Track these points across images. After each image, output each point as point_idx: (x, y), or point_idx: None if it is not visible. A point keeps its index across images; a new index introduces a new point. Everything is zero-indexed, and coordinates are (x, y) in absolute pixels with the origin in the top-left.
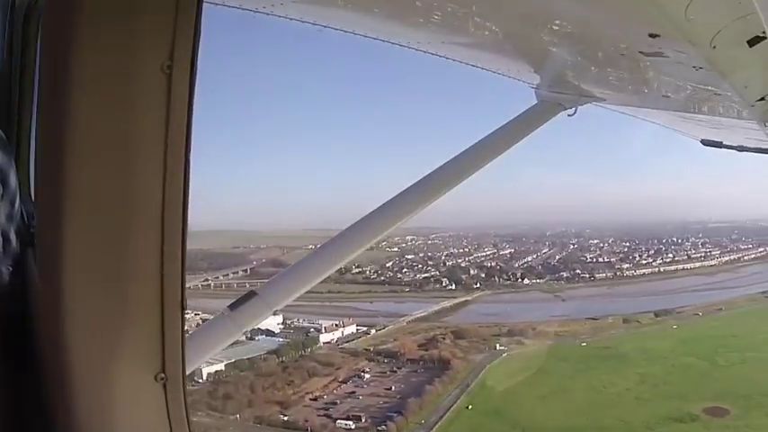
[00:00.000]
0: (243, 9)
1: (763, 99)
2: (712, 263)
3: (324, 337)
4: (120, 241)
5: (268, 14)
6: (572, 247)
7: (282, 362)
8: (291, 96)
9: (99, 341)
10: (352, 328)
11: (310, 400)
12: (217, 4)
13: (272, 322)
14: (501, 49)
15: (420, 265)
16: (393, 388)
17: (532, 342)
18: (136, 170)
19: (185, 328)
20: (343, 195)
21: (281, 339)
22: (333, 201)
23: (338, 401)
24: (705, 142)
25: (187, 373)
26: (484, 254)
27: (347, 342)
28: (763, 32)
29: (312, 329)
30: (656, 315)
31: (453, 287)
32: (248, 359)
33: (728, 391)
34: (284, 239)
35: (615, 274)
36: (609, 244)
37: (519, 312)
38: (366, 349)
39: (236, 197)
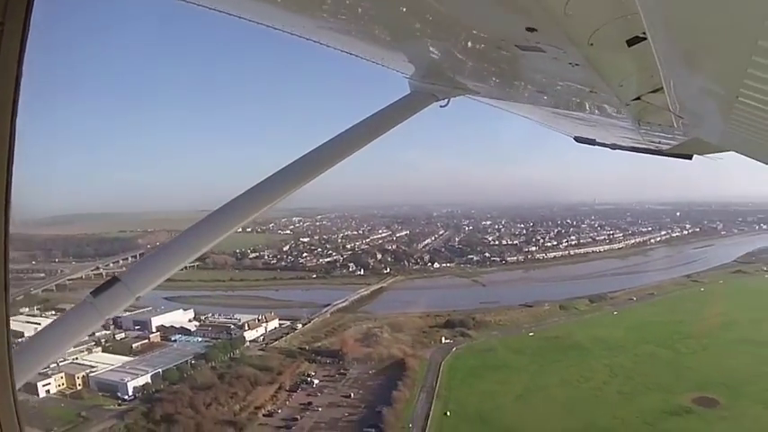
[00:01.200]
0: None
1: (638, 99)
2: (620, 246)
3: (248, 335)
4: None
5: None
6: (467, 228)
7: (214, 368)
8: (190, 80)
9: None
10: (275, 323)
11: (264, 416)
12: None
13: (184, 319)
14: (376, 39)
15: (319, 249)
16: (352, 395)
17: (476, 333)
18: None
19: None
20: (239, 175)
21: (199, 339)
22: (230, 181)
23: (297, 416)
24: (578, 139)
25: (49, 363)
26: (380, 236)
27: (275, 340)
28: (644, 33)
29: (232, 326)
30: (591, 301)
31: (362, 272)
32: (176, 367)
33: (707, 380)
34: (174, 222)
35: (526, 257)
36: (503, 225)
37: (441, 299)
38: (301, 348)
39: (121, 178)
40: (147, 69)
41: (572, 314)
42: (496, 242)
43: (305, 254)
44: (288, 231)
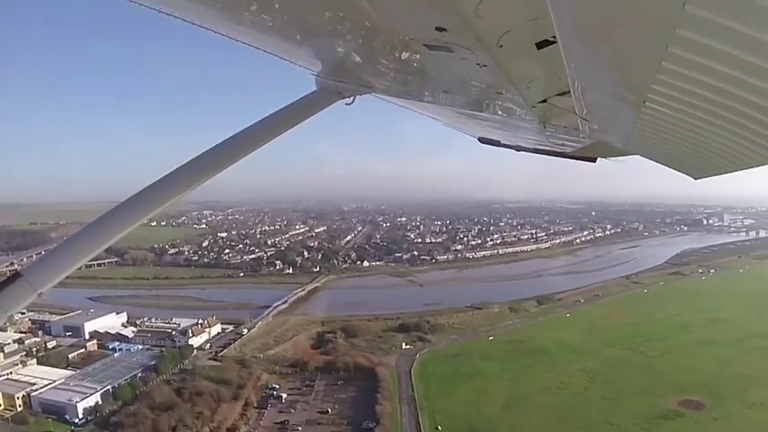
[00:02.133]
0: None
1: (544, 101)
2: (546, 245)
3: (194, 342)
4: None
5: None
6: (384, 225)
7: (168, 382)
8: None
9: None
10: (217, 328)
11: None
12: None
13: (117, 323)
14: (283, 34)
15: (240, 245)
16: (330, 411)
17: (434, 338)
18: None
19: None
20: (148, 168)
21: (139, 346)
22: (146, 171)
23: None
24: (483, 140)
25: None
26: (298, 231)
27: (224, 348)
28: (553, 36)
29: (172, 331)
30: (539, 302)
31: (290, 271)
32: (128, 383)
33: (684, 383)
34: (88, 214)
35: (456, 256)
36: (420, 222)
37: (383, 300)
38: (255, 357)
39: (31, 167)
40: (62, 59)
41: (523, 316)
42: (419, 240)
43: (226, 250)
44: (203, 225)
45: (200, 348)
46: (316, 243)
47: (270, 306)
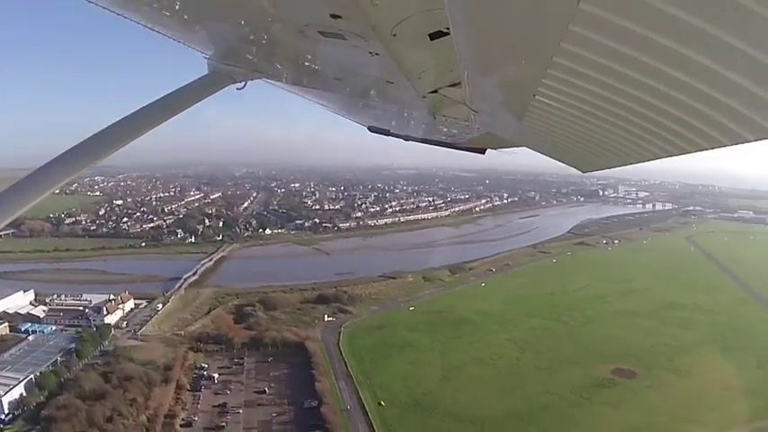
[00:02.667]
0: None
1: (435, 92)
2: (447, 213)
3: (109, 320)
4: None
5: None
6: (279, 191)
7: (92, 366)
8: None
9: None
10: (130, 303)
11: (182, 426)
12: None
13: (25, 302)
14: (178, 16)
15: (137, 213)
16: (266, 390)
17: (355, 309)
18: None
19: None
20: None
21: (53, 327)
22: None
23: (221, 423)
24: (372, 129)
25: None
26: (194, 198)
27: (141, 326)
28: (447, 28)
29: (84, 309)
30: (452, 272)
31: (192, 239)
32: (51, 370)
33: (611, 352)
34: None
35: (358, 223)
36: (315, 188)
37: (293, 269)
38: (177, 335)
39: None
40: None
41: (439, 286)
42: (317, 206)
43: (124, 218)
44: (98, 193)
45: (116, 327)
46: (213, 210)
47: (180, 278)
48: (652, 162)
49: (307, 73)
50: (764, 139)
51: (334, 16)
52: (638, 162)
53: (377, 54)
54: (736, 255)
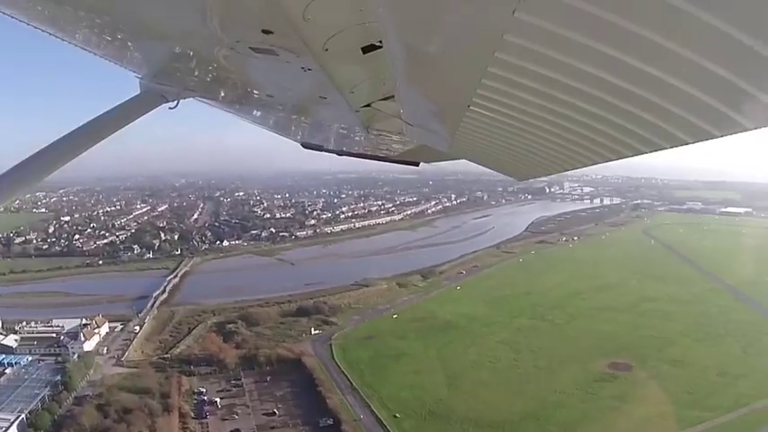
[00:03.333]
0: None
1: (368, 106)
2: (399, 217)
3: (88, 346)
4: None
5: None
6: (226, 201)
7: (86, 399)
8: None
9: None
10: (106, 327)
11: None
12: None
13: None
14: (109, 33)
15: (87, 229)
16: (276, 412)
17: (339, 320)
18: None
19: None
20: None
21: (29, 357)
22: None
23: None
24: (306, 145)
25: None
26: (141, 211)
27: (124, 352)
28: (380, 42)
29: (59, 336)
30: (424, 277)
31: (150, 254)
32: (46, 410)
33: (602, 347)
34: None
35: (315, 232)
36: (260, 196)
37: (261, 281)
38: (163, 359)
39: None
40: None
41: (414, 292)
42: (268, 215)
43: (76, 235)
44: (43, 210)
45: (97, 353)
46: (164, 223)
47: (148, 297)
48: None
49: (239, 90)
50: (701, 141)
51: (266, 32)
52: (574, 168)
53: (309, 69)
54: (695, 246)
